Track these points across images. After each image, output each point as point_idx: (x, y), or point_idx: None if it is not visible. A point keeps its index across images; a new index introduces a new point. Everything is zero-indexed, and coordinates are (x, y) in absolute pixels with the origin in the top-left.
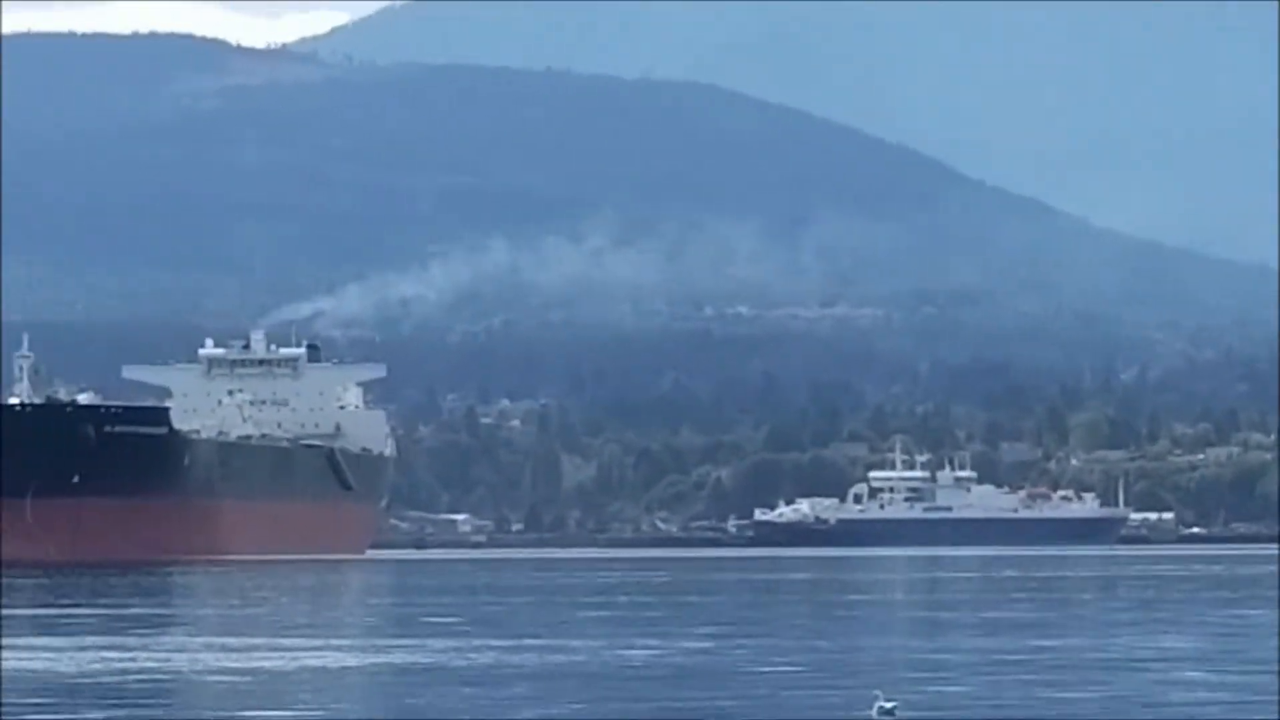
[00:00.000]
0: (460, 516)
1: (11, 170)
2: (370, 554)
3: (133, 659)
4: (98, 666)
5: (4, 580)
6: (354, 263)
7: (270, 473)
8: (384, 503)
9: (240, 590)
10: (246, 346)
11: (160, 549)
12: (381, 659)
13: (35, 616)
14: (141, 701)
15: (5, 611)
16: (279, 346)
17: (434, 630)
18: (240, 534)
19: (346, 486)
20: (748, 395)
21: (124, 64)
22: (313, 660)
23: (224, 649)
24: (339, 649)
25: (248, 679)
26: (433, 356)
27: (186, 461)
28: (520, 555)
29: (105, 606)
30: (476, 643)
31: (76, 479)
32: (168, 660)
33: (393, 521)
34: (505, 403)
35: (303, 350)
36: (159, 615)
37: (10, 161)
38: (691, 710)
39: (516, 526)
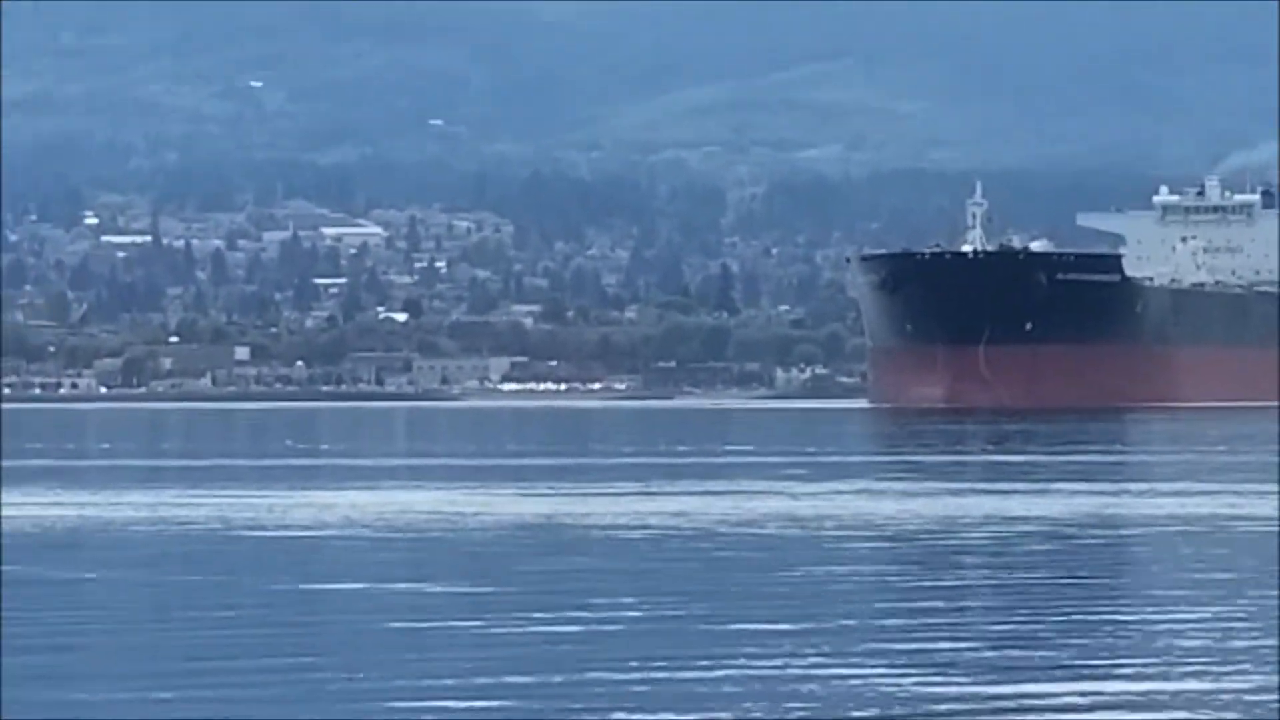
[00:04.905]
0: None
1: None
2: None
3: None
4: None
5: (961, 426)
6: None
7: (1224, 320)
8: None
9: (1196, 437)
10: (1201, 193)
11: (1113, 396)
12: None
13: (995, 464)
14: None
15: (962, 458)
16: (1234, 193)
17: None
18: (1193, 381)
19: None
20: None
21: None
22: None
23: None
24: None
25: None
26: None
27: (1139, 309)
28: None
29: (1062, 454)
30: None
31: (1029, 326)
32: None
33: None
34: None
35: (1257, 196)
36: (1114, 463)
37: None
38: None
39: None
